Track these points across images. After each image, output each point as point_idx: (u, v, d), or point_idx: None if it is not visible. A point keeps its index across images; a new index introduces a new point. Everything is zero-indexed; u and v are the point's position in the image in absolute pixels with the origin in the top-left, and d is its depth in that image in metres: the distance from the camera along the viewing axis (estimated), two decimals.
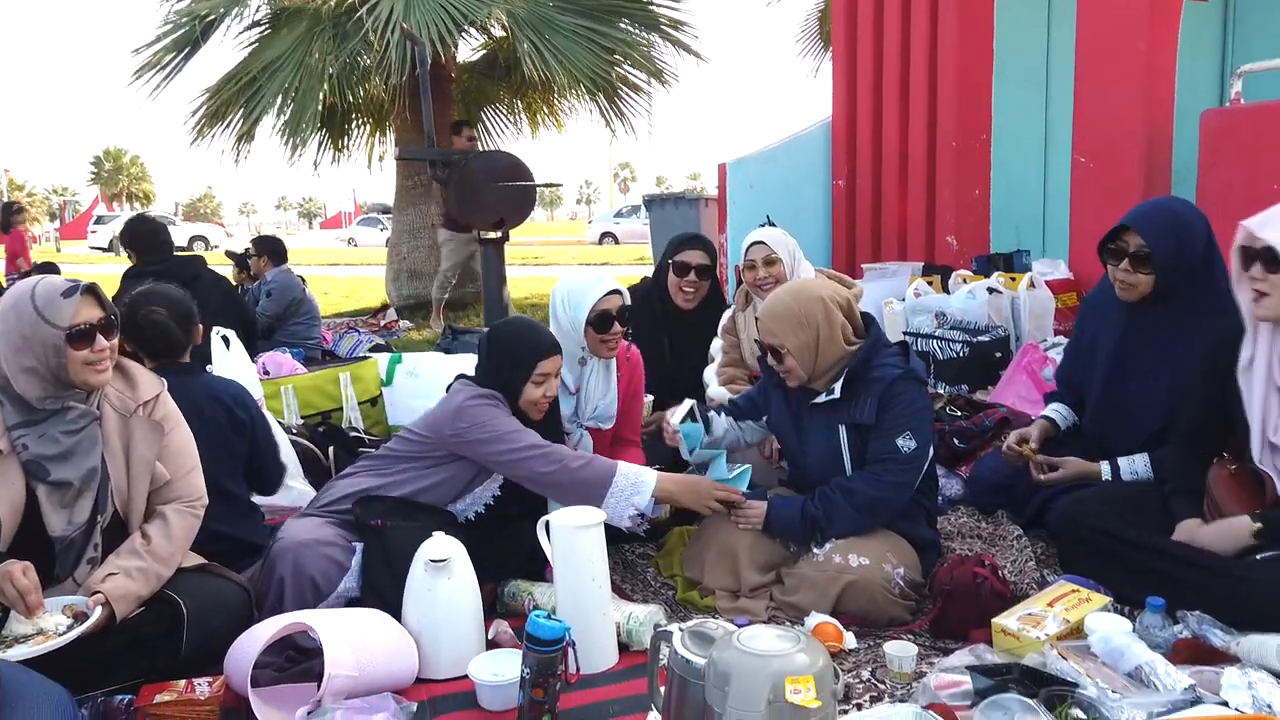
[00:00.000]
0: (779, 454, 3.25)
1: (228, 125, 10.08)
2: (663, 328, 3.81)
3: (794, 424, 2.71)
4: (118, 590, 2.04)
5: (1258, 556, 2.18)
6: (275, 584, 2.35)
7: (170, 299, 2.76)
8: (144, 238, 4.73)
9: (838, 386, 2.54)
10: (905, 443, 2.47)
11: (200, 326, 2.85)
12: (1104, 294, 2.85)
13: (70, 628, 1.95)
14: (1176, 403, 2.58)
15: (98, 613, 1.99)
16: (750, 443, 3.06)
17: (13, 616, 1.95)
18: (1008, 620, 2.17)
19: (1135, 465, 2.69)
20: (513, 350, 2.66)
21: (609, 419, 3.21)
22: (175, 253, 5.00)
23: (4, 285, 6.08)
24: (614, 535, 2.64)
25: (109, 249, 30.93)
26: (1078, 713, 1.73)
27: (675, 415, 2.76)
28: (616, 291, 3.00)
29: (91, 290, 2.12)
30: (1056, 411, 2.99)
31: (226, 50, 15.21)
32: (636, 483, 2.52)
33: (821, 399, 2.58)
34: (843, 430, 2.56)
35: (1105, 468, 2.74)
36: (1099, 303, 2.92)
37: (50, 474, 2.05)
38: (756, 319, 2.71)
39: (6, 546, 2.03)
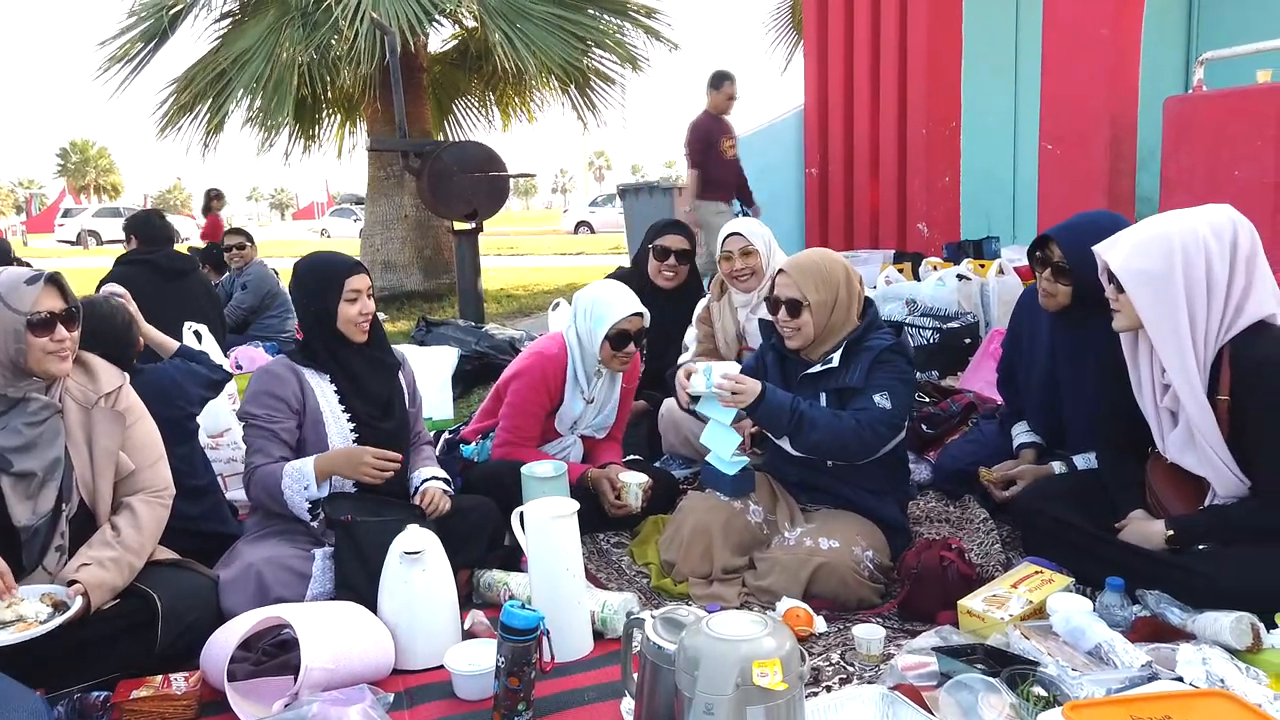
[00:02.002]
0: (751, 438, 3.29)
1: (197, 117, 9.98)
2: None
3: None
4: (93, 579, 2.05)
5: (1200, 547, 2.23)
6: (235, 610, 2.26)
7: (101, 308, 2.68)
8: (142, 228, 4.89)
9: (835, 357, 2.60)
10: (882, 401, 2.53)
11: (141, 340, 2.83)
12: (1035, 297, 2.85)
13: (50, 616, 1.96)
14: (1104, 406, 2.60)
15: (78, 602, 2.00)
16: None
17: None
18: (973, 602, 2.22)
19: (1090, 458, 2.74)
20: (318, 274, 2.62)
21: (605, 429, 3.25)
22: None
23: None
24: (588, 525, 2.66)
25: (77, 242, 30.46)
26: (1039, 690, 1.78)
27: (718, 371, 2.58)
28: (639, 314, 3.06)
29: (54, 280, 2.13)
30: (1030, 434, 2.98)
31: (195, 41, 15.05)
32: (302, 475, 2.50)
33: (818, 368, 2.64)
34: (824, 397, 2.62)
35: (1058, 467, 2.80)
36: (1031, 305, 2.91)
37: (13, 465, 2.06)
38: (776, 274, 2.71)
39: None
